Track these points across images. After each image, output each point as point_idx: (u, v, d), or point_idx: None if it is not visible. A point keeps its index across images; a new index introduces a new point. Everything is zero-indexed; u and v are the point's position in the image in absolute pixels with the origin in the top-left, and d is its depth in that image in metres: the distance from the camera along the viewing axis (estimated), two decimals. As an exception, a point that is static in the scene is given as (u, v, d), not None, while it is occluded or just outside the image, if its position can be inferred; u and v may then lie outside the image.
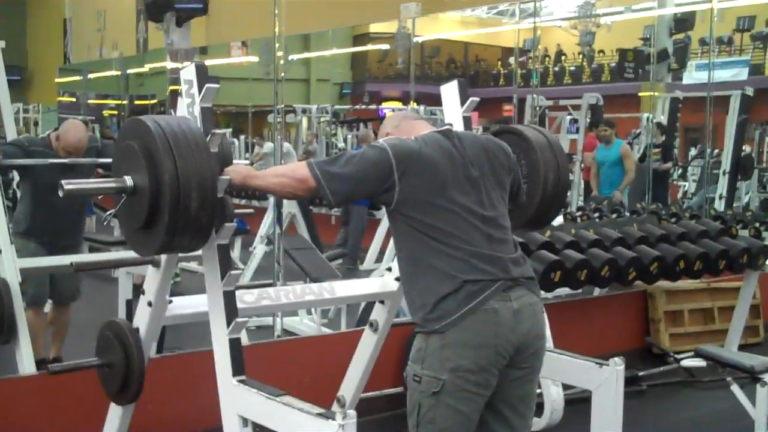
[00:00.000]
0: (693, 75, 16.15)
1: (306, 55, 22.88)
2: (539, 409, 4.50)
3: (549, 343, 3.16)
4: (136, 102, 18.20)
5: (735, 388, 4.07)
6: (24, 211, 4.88)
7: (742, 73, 16.52)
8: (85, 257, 4.60)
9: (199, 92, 2.69)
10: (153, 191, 2.44)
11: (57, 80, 20.16)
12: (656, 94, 11.74)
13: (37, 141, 4.97)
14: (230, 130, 16.78)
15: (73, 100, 19.42)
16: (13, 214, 6.00)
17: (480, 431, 2.66)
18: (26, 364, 4.13)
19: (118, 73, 17.59)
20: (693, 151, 15.68)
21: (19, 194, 6.46)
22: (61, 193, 2.52)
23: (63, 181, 2.53)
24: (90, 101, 18.22)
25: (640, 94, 15.56)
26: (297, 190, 2.61)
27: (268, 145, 14.30)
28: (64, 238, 4.86)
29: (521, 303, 2.61)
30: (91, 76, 18.45)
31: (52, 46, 22.59)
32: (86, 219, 5.17)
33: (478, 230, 2.61)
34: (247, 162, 12.95)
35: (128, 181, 2.52)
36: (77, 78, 18.94)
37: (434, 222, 2.57)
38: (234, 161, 3.04)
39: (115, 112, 18.57)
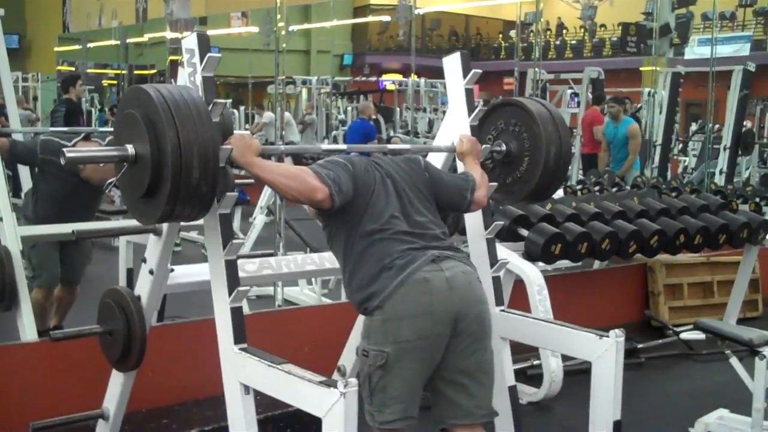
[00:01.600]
0: (695, 50, 16.09)
1: (306, 26, 22.79)
2: (539, 380, 4.53)
3: (496, 309, 3.17)
4: (136, 72, 18.15)
5: (734, 361, 4.08)
6: (35, 209, 4.84)
7: (744, 49, 16.46)
8: (87, 225, 4.58)
9: (201, 62, 2.68)
10: (155, 160, 2.42)
11: (56, 49, 20.10)
12: (658, 68, 11.70)
13: (54, 148, 4.68)
14: (230, 101, 16.75)
15: (72, 69, 19.35)
16: (22, 196, 6.03)
17: (443, 403, 2.81)
18: (28, 330, 4.15)
19: (118, 42, 17.53)
20: (694, 126, 15.67)
21: (30, 181, 6.48)
22: (62, 161, 2.51)
23: (64, 149, 2.53)
24: (89, 71, 18.15)
25: (641, 68, 15.51)
26: (302, 196, 2.68)
27: (268, 115, 14.28)
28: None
29: (454, 272, 2.75)
30: (90, 45, 18.38)
31: (52, 15, 22.51)
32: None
33: (400, 220, 2.80)
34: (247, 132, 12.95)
35: (130, 149, 2.51)
36: (76, 47, 18.87)
37: (362, 221, 2.77)
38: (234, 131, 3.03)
39: (115, 82, 18.52)
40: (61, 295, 5.11)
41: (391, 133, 14.45)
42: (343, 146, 2.95)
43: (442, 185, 3.01)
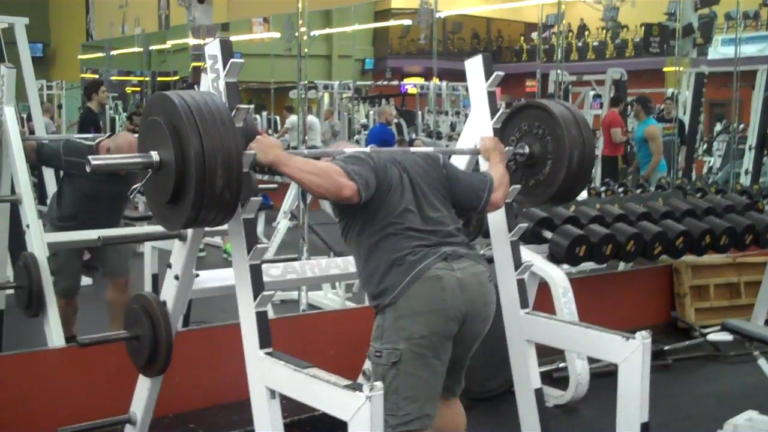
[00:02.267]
0: (718, 50, 15.97)
1: (328, 30, 22.81)
2: (565, 383, 4.51)
3: (521, 311, 3.22)
4: (159, 78, 18.24)
5: (762, 362, 4.05)
6: (62, 212, 4.83)
7: (768, 48, 16.32)
8: (112, 231, 4.60)
9: (224, 67, 2.69)
10: (179, 167, 2.44)
11: (80, 57, 20.24)
12: (681, 69, 11.62)
13: (77, 148, 4.71)
14: (252, 106, 16.81)
15: (96, 77, 19.47)
16: (48, 201, 6.05)
17: None
18: (55, 336, 4.17)
19: (141, 49, 17.63)
20: (718, 127, 15.54)
21: (56, 186, 6.51)
22: (88, 168, 2.53)
23: (90, 157, 2.55)
24: (113, 78, 18.27)
25: (664, 69, 15.41)
26: (329, 193, 2.68)
27: (291, 120, 14.30)
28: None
29: (465, 273, 2.78)
30: (113, 52, 18.50)
31: (75, 23, 22.66)
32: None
33: (414, 215, 2.83)
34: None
35: (154, 156, 2.53)
36: (100, 54, 19.00)
37: (377, 215, 2.79)
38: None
39: (138, 89, 18.61)
40: (112, 298, 4.94)
41: (413, 136, 14.45)
42: (366, 149, 2.95)
43: (458, 183, 3.02)
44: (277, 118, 17.17)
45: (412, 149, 3.15)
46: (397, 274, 2.73)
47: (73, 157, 4.58)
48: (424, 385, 2.71)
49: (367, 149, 2.96)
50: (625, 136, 10.37)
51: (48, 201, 6.51)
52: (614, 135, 10.15)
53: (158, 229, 3.18)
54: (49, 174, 6.77)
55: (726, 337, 5.29)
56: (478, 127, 3.39)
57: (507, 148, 3.31)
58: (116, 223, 4.90)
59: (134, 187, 2.77)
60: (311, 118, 13.60)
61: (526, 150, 3.37)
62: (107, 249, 4.87)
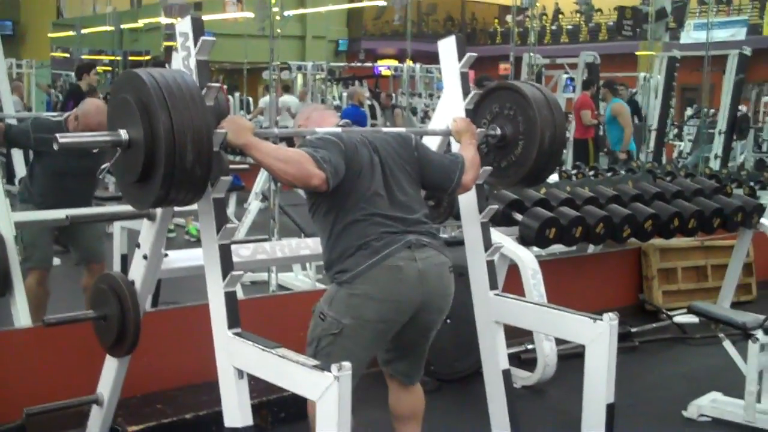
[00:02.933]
0: (690, 34, 16.08)
1: (302, 11, 22.71)
2: (533, 364, 4.54)
3: (490, 292, 3.26)
4: (131, 58, 18.07)
5: (727, 345, 4.11)
6: (34, 190, 4.73)
7: (740, 33, 16.47)
8: (81, 210, 4.54)
9: (195, 45, 2.67)
10: (148, 144, 2.42)
11: (50, 35, 20.01)
12: (654, 53, 11.69)
13: (45, 125, 4.66)
14: (224, 86, 16.70)
15: (67, 55, 19.27)
16: (20, 182, 5.96)
17: (385, 355, 3.02)
18: (21, 316, 4.13)
19: (112, 28, 17.46)
20: (689, 111, 15.67)
21: (27, 168, 6.42)
22: (55, 146, 2.50)
23: (57, 134, 2.51)
24: (83, 57, 18.06)
25: (637, 53, 15.49)
26: (298, 182, 2.69)
27: (265, 100, 14.22)
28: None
29: (427, 263, 2.82)
30: (84, 31, 18.30)
31: (46, 1, 22.39)
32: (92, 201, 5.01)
33: (383, 199, 2.85)
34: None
35: (123, 134, 2.50)
36: (71, 33, 18.79)
37: (346, 198, 2.80)
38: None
39: (110, 69, 18.44)
40: (88, 283, 4.80)
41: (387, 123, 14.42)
42: (338, 130, 2.94)
43: (430, 165, 3.03)
44: (250, 99, 17.09)
45: (384, 129, 3.14)
46: (360, 256, 2.76)
47: (42, 134, 4.51)
48: (355, 359, 2.66)
49: (338, 129, 2.94)
50: (595, 119, 10.45)
51: (16, 182, 6.45)
52: (584, 117, 10.24)
53: (127, 208, 3.16)
54: (17, 155, 6.70)
55: (692, 319, 5.36)
56: (451, 108, 3.39)
57: (479, 129, 3.32)
58: (88, 201, 4.83)
59: (103, 167, 2.74)
60: (291, 99, 13.52)
61: (498, 131, 3.38)
62: (82, 233, 4.80)
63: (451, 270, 2.94)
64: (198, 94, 2.49)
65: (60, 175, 4.60)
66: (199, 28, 2.68)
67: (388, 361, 3.06)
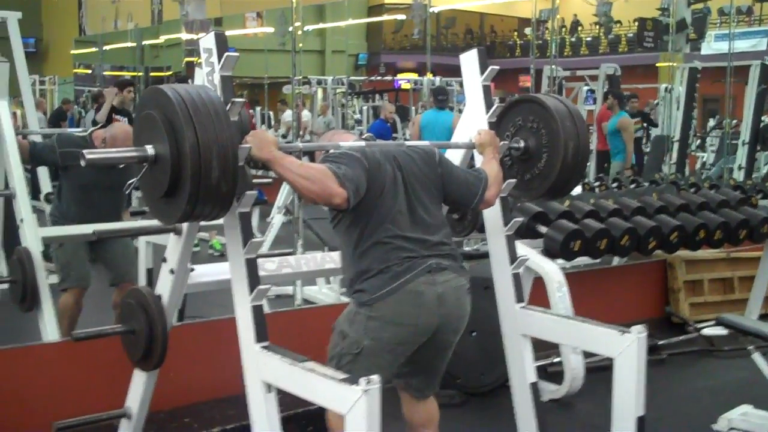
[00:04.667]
0: (711, 45, 16.02)
1: (321, 25, 22.78)
2: (560, 377, 4.51)
3: (516, 306, 3.27)
4: (152, 74, 18.17)
5: (756, 357, 4.06)
6: (62, 208, 4.77)
7: (762, 43, 16.38)
8: (107, 226, 4.56)
9: (219, 60, 2.68)
10: (174, 160, 2.42)
11: (72, 52, 20.17)
12: (674, 64, 11.65)
13: (71, 140, 4.74)
14: (246, 100, 16.74)
15: (89, 71, 19.41)
16: (45, 198, 6.00)
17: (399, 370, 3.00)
18: (49, 331, 4.17)
19: (134, 44, 17.58)
20: (711, 122, 15.57)
21: (49, 182, 6.47)
22: (82, 163, 2.52)
23: (84, 151, 2.53)
24: (105, 73, 18.19)
25: (658, 64, 15.43)
26: (319, 199, 2.68)
27: (287, 114, 14.26)
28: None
29: (446, 287, 2.86)
30: (106, 47, 18.44)
31: (68, 18, 22.61)
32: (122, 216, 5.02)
33: (405, 218, 2.86)
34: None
35: (149, 150, 2.51)
36: (93, 50, 18.94)
37: (369, 216, 2.81)
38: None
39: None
40: (117, 301, 4.78)
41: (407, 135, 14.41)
42: (361, 143, 2.94)
43: (453, 181, 3.03)
44: (271, 113, 17.15)
45: (408, 143, 3.14)
46: (380, 280, 2.79)
47: (68, 148, 4.56)
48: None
49: (362, 143, 2.94)
50: None
51: (41, 198, 6.50)
52: (604, 129, 10.21)
53: (153, 223, 3.17)
54: (43, 170, 6.75)
55: (720, 331, 5.28)
56: (474, 121, 3.39)
57: (502, 142, 3.31)
58: (117, 216, 4.83)
59: (129, 182, 2.75)
60: (305, 113, 13.56)
61: (522, 144, 3.37)
62: (113, 253, 4.78)
63: (469, 291, 2.97)
64: (222, 109, 2.50)
65: (87, 189, 4.62)
66: (223, 44, 2.70)
67: (400, 375, 3.08)
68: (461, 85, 3.54)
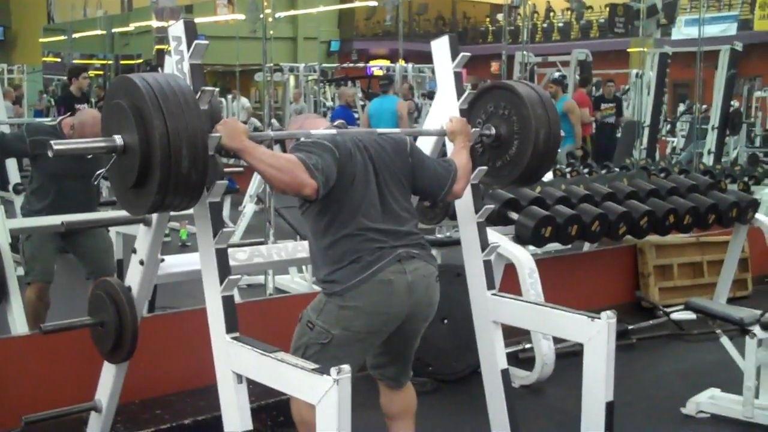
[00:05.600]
0: (682, 30, 16.10)
1: (293, 12, 22.67)
2: (531, 364, 4.54)
3: (487, 292, 3.28)
4: (122, 62, 18.01)
5: (724, 341, 4.11)
6: (34, 197, 4.71)
7: (731, 28, 16.51)
8: (77, 217, 4.51)
9: (188, 49, 2.66)
10: (143, 150, 2.40)
11: (41, 40, 19.94)
12: (645, 49, 11.71)
13: (41, 129, 4.68)
14: (218, 89, 16.64)
15: (58, 60, 19.21)
16: (14, 190, 5.92)
17: (373, 360, 3.08)
18: (18, 323, 4.12)
19: (104, 32, 17.40)
20: (682, 107, 15.69)
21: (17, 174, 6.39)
22: (50, 154, 2.49)
23: (52, 141, 2.49)
24: (75, 61, 18.01)
25: (629, 50, 15.50)
26: (289, 189, 2.67)
27: (243, 102, 14.23)
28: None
29: (416, 275, 2.87)
30: (75, 35, 18.23)
31: (36, 6, 22.32)
32: (96, 204, 4.94)
33: (376, 210, 2.86)
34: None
35: (118, 140, 2.48)
36: (62, 38, 18.72)
37: (340, 206, 2.81)
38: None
39: (101, 72, 18.38)
40: None
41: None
42: (333, 131, 2.93)
43: (423, 172, 3.03)
44: (248, 102, 17.06)
45: (380, 130, 3.13)
46: (351, 270, 2.80)
47: (38, 137, 4.51)
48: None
49: (334, 131, 2.93)
50: (593, 116, 10.48)
51: (9, 189, 6.43)
52: (584, 115, 10.25)
53: (123, 214, 3.14)
54: (11, 161, 6.67)
55: (689, 315, 5.37)
56: (445, 108, 3.39)
57: (473, 129, 3.31)
58: (91, 204, 4.77)
59: (98, 173, 2.73)
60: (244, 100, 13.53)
61: (493, 131, 3.37)
62: (89, 245, 4.73)
63: (437, 279, 2.99)
64: (192, 98, 2.48)
65: (58, 178, 4.56)
66: (192, 32, 2.67)
67: (376, 366, 3.11)
68: (434, 71, 3.52)
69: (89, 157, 4.32)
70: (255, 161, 2.61)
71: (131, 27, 17.73)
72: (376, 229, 2.84)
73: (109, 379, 3.20)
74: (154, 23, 13.87)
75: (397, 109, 9.14)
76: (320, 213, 2.85)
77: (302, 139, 2.86)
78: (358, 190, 2.84)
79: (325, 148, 2.77)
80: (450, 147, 3.28)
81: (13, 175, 6.58)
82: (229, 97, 15.81)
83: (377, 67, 19.79)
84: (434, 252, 3.47)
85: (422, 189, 3.08)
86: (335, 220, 2.83)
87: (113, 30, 17.63)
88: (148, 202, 2.47)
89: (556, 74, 11.84)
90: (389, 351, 3.03)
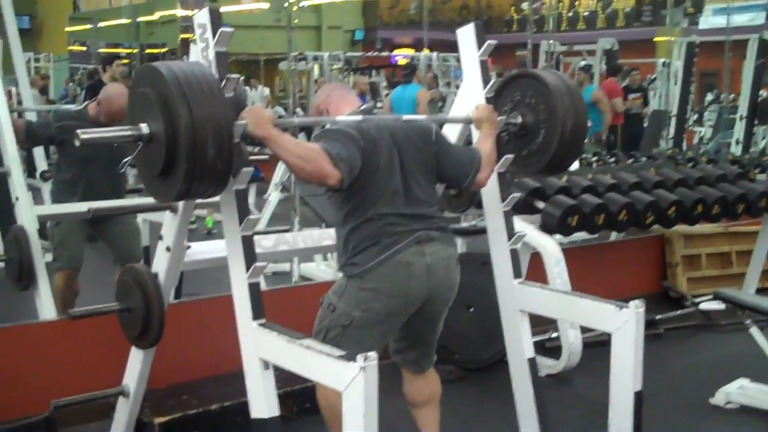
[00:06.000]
0: (709, 19, 15.95)
1: (317, 1, 22.65)
2: (557, 352, 4.52)
3: (514, 281, 3.28)
4: (147, 50, 18.11)
5: (754, 331, 4.06)
6: (62, 183, 4.72)
7: (760, 17, 16.31)
8: (103, 204, 4.51)
9: (213, 36, 2.65)
10: (169, 139, 2.40)
11: (67, 29, 20.07)
12: (672, 38, 11.61)
13: (67, 114, 4.68)
14: (242, 77, 16.71)
15: (84, 49, 19.34)
16: (42, 177, 5.96)
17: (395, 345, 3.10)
18: (46, 309, 4.15)
19: (129, 21, 17.49)
20: (710, 96, 15.54)
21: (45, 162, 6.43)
22: (77, 143, 2.49)
23: (78, 131, 2.50)
24: (101, 50, 18.12)
25: (655, 39, 15.38)
26: (313, 179, 2.69)
27: (261, 91, 14.24)
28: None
29: (435, 257, 2.88)
30: (101, 24, 18.34)
31: (62, -5, 22.46)
32: (124, 189, 4.95)
33: (400, 197, 2.87)
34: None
35: (144, 128, 2.49)
36: (87, 26, 18.83)
37: (364, 194, 2.82)
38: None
39: (127, 61, 18.48)
40: None
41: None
42: (358, 117, 2.92)
43: (447, 160, 3.03)
44: (267, 90, 17.10)
45: (405, 117, 3.11)
46: (371, 252, 2.82)
47: (64, 122, 4.52)
48: (364, 349, 2.72)
49: (359, 117, 2.92)
50: (625, 105, 10.43)
51: (37, 176, 6.47)
52: (616, 105, 10.20)
53: (149, 200, 3.15)
54: (38, 149, 6.71)
55: (717, 305, 5.32)
56: (470, 96, 3.36)
57: (499, 117, 3.29)
58: (118, 190, 4.77)
59: (124, 161, 2.74)
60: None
61: (519, 120, 3.34)
62: (116, 231, 4.73)
63: (458, 261, 2.99)
64: (217, 86, 2.48)
65: (85, 163, 4.55)
66: (217, 20, 2.67)
67: (398, 350, 3.13)
68: (458, 60, 3.50)
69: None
70: (280, 150, 2.62)
71: (156, 16, 17.80)
72: (398, 213, 2.85)
73: (136, 364, 3.22)
74: (179, 12, 13.91)
75: (417, 97, 9.16)
76: (344, 200, 2.86)
77: (327, 126, 2.85)
78: (383, 177, 2.84)
79: (350, 137, 2.77)
80: (476, 135, 3.26)
81: (40, 163, 6.62)
82: (246, 87, 15.85)
83: (401, 56, 19.74)
84: (459, 241, 3.46)
85: (446, 177, 3.07)
86: (359, 207, 2.84)
87: (138, 19, 17.71)
88: (175, 190, 2.48)
89: (582, 63, 11.79)
90: (410, 335, 3.04)
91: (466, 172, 3.03)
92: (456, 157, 3.05)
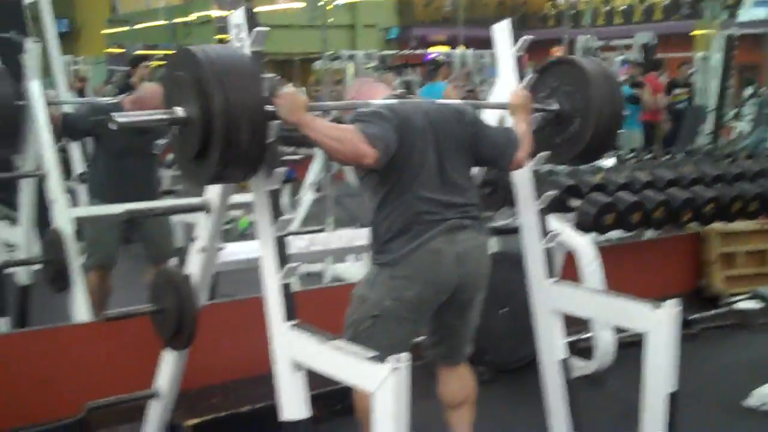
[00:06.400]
0: (749, 12, 15.70)
1: None
2: (589, 353, 4.47)
3: (547, 281, 3.26)
4: (184, 51, 18.21)
5: (791, 331, 4.00)
6: (98, 176, 4.80)
7: (801, 9, 16.04)
8: (137, 205, 4.56)
9: (249, 36, 2.66)
10: (204, 122, 2.43)
11: (105, 31, 20.27)
12: (712, 32, 11.45)
13: (102, 108, 4.75)
14: (278, 77, 16.78)
15: (122, 51, 19.51)
16: (81, 178, 6.03)
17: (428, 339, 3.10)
18: (81, 311, 4.19)
19: (166, 22, 17.62)
20: (750, 90, 15.31)
21: (83, 164, 6.49)
22: (113, 126, 2.52)
23: (113, 114, 2.53)
24: (138, 52, 18.28)
25: (693, 33, 15.18)
26: (350, 160, 2.72)
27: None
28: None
29: (465, 246, 2.89)
30: (138, 26, 18.51)
31: (100, -2, 22.69)
32: (159, 183, 5.01)
33: (435, 179, 2.87)
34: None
35: (179, 112, 2.51)
36: (125, 28, 19.02)
37: (399, 175, 2.82)
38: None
39: (164, 62, 18.67)
40: None
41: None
42: (392, 101, 2.91)
43: (485, 141, 3.02)
44: (303, 90, 17.13)
45: (442, 101, 3.10)
46: (402, 240, 2.83)
47: (100, 116, 4.57)
48: (396, 341, 2.80)
49: (394, 100, 2.91)
50: (667, 100, 10.36)
51: (74, 177, 6.54)
52: (658, 101, 10.10)
53: (185, 202, 3.17)
54: (76, 151, 6.77)
55: (753, 305, 5.23)
56: (506, 93, 3.33)
57: (534, 105, 3.25)
58: (152, 184, 4.83)
59: (158, 141, 2.76)
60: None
61: (555, 107, 3.30)
62: (151, 229, 4.80)
63: (487, 251, 3.00)
64: (253, 71, 2.49)
65: (121, 155, 4.60)
66: (252, 19, 2.68)
67: (430, 345, 3.13)
68: (494, 57, 3.48)
69: (149, 134, 4.38)
70: (315, 134, 2.61)
71: (193, 17, 17.92)
72: (432, 199, 2.85)
73: (169, 365, 3.24)
74: (215, 13, 14.00)
75: (444, 95, 9.11)
76: (380, 182, 2.86)
77: (361, 109, 2.85)
78: (417, 158, 2.84)
79: (384, 117, 2.77)
80: (509, 121, 3.23)
81: (78, 165, 6.68)
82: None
83: (436, 53, 19.69)
84: (492, 240, 3.43)
85: (484, 158, 3.06)
86: (393, 190, 2.84)
87: (175, 20, 17.84)
88: (210, 173, 2.51)
89: (620, 58, 11.69)
90: (442, 327, 3.04)
91: (504, 152, 3.02)
92: (493, 138, 3.04)
